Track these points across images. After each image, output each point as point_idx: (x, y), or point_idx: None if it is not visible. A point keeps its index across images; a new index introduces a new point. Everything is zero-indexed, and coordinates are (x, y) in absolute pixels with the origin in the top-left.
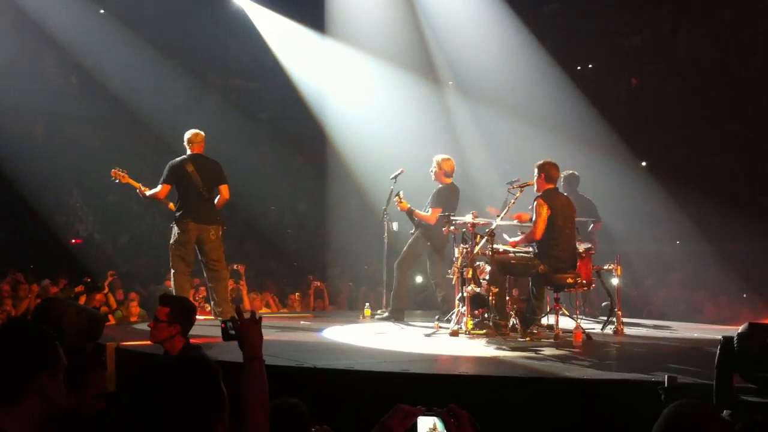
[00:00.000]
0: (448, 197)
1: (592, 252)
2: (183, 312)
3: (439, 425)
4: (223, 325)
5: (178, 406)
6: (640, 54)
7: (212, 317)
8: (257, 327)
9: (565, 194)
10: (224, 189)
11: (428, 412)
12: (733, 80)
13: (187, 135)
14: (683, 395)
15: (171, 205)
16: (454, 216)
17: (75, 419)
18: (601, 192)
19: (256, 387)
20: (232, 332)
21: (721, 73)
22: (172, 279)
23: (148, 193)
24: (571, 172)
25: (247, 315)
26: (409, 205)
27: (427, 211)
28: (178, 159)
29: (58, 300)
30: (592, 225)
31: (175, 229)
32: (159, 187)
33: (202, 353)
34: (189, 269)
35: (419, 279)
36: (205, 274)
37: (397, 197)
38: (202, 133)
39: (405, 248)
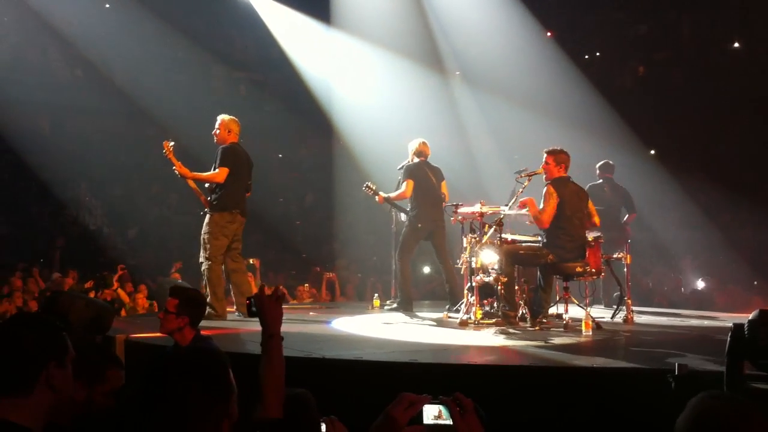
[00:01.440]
0: (413, 170)
1: (601, 240)
2: (192, 303)
3: (445, 413)
4: (247, 301)
5: (183, 401)
6: (647, 42)
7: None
8: (278, 304)
9: (577, 183)
10: (250, 186)
11: (433, 401)
12: (740, 68)
13: (229, 122)
14: (693, 383)
15: (203, 199)
16: (462, 204)
17: (86, 414)
18: None
19: (272, 365)
20: (254, 309)
21: (728, 61)
22: (208, 270)
23: (204, 174)
24: (605, 161)
25: (269, 292)
26: (384, 195)
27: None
28: (232, 144)
29: (65, 293)
30: (627, 216)
31: (218, 217)
32: (217, 171)
33: (212, 345)
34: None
35: (427, 269)
36: (226, 266)
37: (368, 188)
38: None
39: (401, 237)
